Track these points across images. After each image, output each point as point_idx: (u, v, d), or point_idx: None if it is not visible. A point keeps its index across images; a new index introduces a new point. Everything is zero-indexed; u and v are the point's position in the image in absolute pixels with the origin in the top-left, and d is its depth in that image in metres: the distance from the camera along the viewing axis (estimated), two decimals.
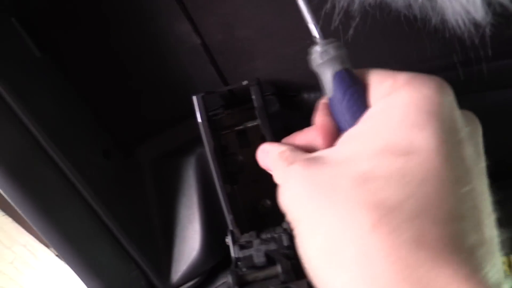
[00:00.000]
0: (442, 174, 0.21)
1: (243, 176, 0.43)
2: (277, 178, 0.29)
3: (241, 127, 0.42)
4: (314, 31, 0.29)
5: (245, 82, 0.40)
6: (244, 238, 0.39)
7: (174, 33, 0.40)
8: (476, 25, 0.26)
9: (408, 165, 0.21)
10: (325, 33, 0.29)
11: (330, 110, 0.28)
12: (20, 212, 0.37)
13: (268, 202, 0.43)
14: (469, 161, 0.23)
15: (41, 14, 0.39)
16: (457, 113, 0.24)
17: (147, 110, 0.46)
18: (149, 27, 0.40)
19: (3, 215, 1.06)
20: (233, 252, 0.37)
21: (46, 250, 1.09)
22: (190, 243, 0.44)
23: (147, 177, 0.46)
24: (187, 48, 0.41)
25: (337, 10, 0.29)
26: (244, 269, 0.35)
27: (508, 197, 0.26)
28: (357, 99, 0.26)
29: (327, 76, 0.27)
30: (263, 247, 0.35)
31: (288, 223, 0.39)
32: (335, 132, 0.27)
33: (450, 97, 0.24)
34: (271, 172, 0.32)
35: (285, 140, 0.32)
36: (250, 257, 0.35)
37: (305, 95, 0.44)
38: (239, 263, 0.36)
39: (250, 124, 0.42)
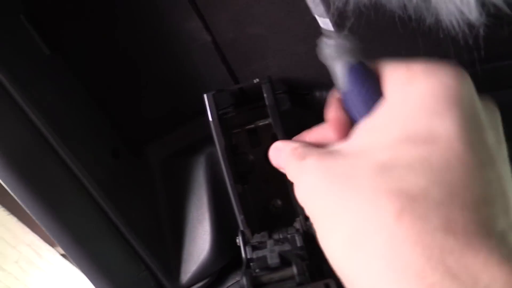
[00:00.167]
0: (466, 160, 0.21)
1: (254, 176, 0.42)
2: (290, 175, 0.28)
3: (252, 125, 0.42)
4: (326, 25, 0.28)
5: (256, 80, 0.40)
6: (255, 239, 0.39)
7: (185, 30, 0.40)
8: (470, 26, 0.26)
9: (430, 153, 0.21)
10: (320, 33, 0.28)
11: (343, 104, 0.28)
12: (28, 212, 0.37)
13: (279, 202, 0.43)
14: (492, 147, 0.22)
15: (50, 11, 0.39)
16: (477, 100, 0.23)
17: (157, 109, 0.45)
18: (159, 24, 0.40)
19: (8, 214, 1.06)
20: (246, 253, 0.36)
21: (51, 250, 1.09)
22: (199, 243, 0.44)
23: (156, 176, 0.45)
24: (197, 45, 0.40)
25: (331, 11, 0.29)
26: (257, 270, 0.34)
27: None
28: (373, 92, 0.26)
29: (340, 69, 0.27)
30: (277, 248, 0.35)
31: (301, 223, 0.39)
32: (349, 126, 0.27)
33: (468, 84, 0.23)
34: (283, 171, 0.32)
35: (297, 137, 0.32)
36: (263, 258, 0.34)
37: (317, 93, 0.43)
38: (251, 264, 0.35)
39: (261, 123, 0.42)
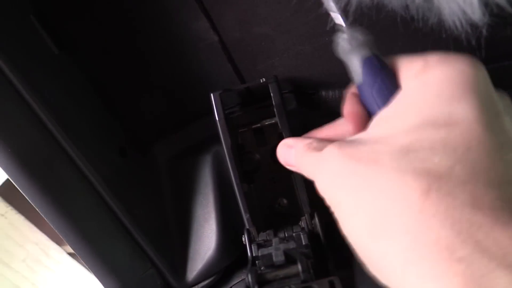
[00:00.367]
0: (485, 141, 0.21)
1: (260, 175, 0.43)
2: (307, 170, 0.28)
3: (258, 125, 0.42)
4: (339, 19, 0.28)
5: (262, 80, 0.40)
6: (261, 237, 0.39)
7: (192, 30, 0.40)
8: (473, 26, 0.26)
9: (451, 135, 0.21)
10: (322, 32, 0.28)
11: (360, 97, 0.28)
12: (37, 209, 0.37)
13: (285, 201, 0.43)
14: (509, 131, 0.22)
15: (58, 11, 0.40)
16: (492, 87, 0.24)
17: (164, 108, 0.45)
18: (166, 24, 0.40)
19: (16, 213, 1.07)
20: (251, 250, 0.37)
21: (58, 249, 1.10)
22: (206, 241, 0.44)
23: (163, 175, 0.46)
24: (204, 45, 0.41)
25: (340, 8, 0.29)
26: (262, 268, 0.34)
27: None
28: (389, 83, 0.26)
29: (356, 62, 0.27)
30: (282, 246, 0.35)
31: (306, 222, 0.39)
32: (366, 120, 0.27)
33: (484, 72, 0.24)
34: (292, 168, 0.32)
35: (307, 135, 0.32)
36: (269, 256, 0.35)
37: (323, 93, 0.43)
38: (257, 262, 0.35)
39: (267, 122, 0.42)
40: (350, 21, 0.29)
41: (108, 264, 0.40)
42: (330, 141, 0.28)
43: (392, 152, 0.22)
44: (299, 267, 0.32)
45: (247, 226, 0.40)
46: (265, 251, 0.35)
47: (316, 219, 0.39)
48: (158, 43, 0.41)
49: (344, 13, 0.29)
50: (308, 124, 0.34)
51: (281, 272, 0.32)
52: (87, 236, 0.39)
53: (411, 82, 0.25)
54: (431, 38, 0.29)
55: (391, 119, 0.24)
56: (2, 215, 1.06)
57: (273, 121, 0.41)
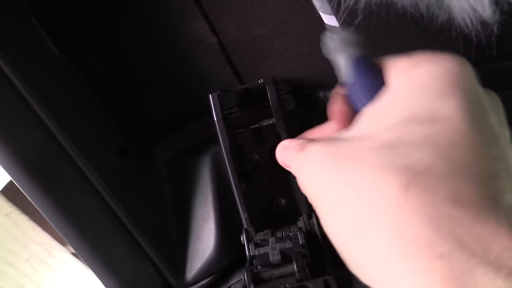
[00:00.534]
0: (470, 137, 0.21)
1: (258, 175, 0.43)
2: (294, 169, 0.28)
3: (256, 125, 0.42)
4: (330, 20, 0.29)
5: (260, 81, 0.40)
6: (259, 237, 0.39)
7: (191, 31, 0.40)
8: (484, 23, 0.26)
9: (434, 131, 0.21)
10: (319, 34, 0.29)
11: (347, 98, 0.28)
12: (38, 208, 0.38)
13: (283, 201, 0.43)
14: (495, 128, 0.22)
15: (59, 13, 0.40)
16: (478, 84, 0.24)
17: (163, 109, 0.46)
18: (166, 25, 0.40)
19: (20, 214, 1.08)
20: (248, 250, 0.37)
21: (62, 249, 1.10)
22: (205, 241, 0.44)
23: (163, 175, 0.46)
24: (203, 46, 0.41)
25: (342, 9, 0.29)
26: (259, 267, 0.35)
27: None
28: (376, 82, 0.26)
29: (344, 61, 0.27)
30: (279, 245, 0.35)
31: (304, 222, 0.39)
32: (352, 118, 0.27)
33: (469, 69, 0.24)
34: (289, 169, 0.32)
35: (301, 136, 0.32)
36: (265, 255, 0.35)
37: (321, 94, 0.44)
38: (254, 261, 0.35)
39: (265, 122, 0.42)
40: (358, 19, 0.29)
41: (108, 263, 0.40)
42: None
43: (373, 148, 0.22)
44: (295, 266, 0.32)
45: (245, 226, 0.40)
46: (261, 250, 0.35)
47: (314, 219, 0.39)
48: (157, 44, 0.42)
49: (352, 11, 0.29)
50: (307, 124, 0.35)
51: (277, 271, 0.32)
52: (87, 235, 0.39)
53: (397, 79, 0.25)
54: (441, 36, 0.29)
55: (374, 116, 0.24)
56: (7, 215, 1.07)
57: (271, 122, 0.41)
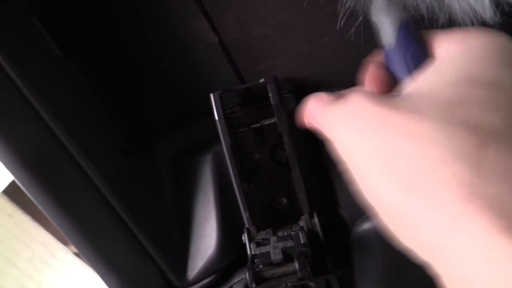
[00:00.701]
0: None
1: (259, 174, 0.43)
2: (329, 122, 0.25)
3: (257, 125, 0.42)
4: None
5: (262, 80, 0.40)
6: (260, 236, 0.39)
7: (192, 31, 0.40)
8: (484, 25, 0.26)
9: (497, 96, 0.21)
10: (321, 33, 0.28)
11: (387, 62, 0.27)
12: (39, 207, 0.38)
13: (285, 200, 0.43)
14: None
15: (60, 13, 0.40)
16: None
17: (165, 108, 0.46)
18: (167, 25, 0.40)
19: (22, 213, 1.08)
20: (250, 249, 0.37)
21: (64, 249, 1.10)
22: (206, 240, 0.44)
23: (164, 174, 0.46)
24: (204, 46, 0.41)
25: (343, 10, 0.29)
26: (261, 266, 0.35)
27: None
28: (422, 50, 0.25)
29: (390, 25, 0.26)
30: (280, 244, 0.35)
31: (305, 221, 0.39)
32: (390, 84, 0.26)
33: None
34: (315, 127, 0.28)
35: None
36: (267, 254, 0.35)
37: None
38: (256, 260, 0.36)
39: (267, 122, 0.42)
40: (360, 20, 0.29)
41: (110, 262, 0.40)
42: None
43: (437, 104, 0.21)
44: (296, 265, 0.32)
45: (246, 225, 0.40)
46: (263, 249, 0.35)
47: (316, 219, 0.39)
48: (159, 44, 0.42)
49: (352, 12, 0.29)
50: None
51: (279, 270, 0.33)
52: (89, 235, 0.39)
53: (452, 47, 0.24)
54: None
55: (431, 77, 0.23)
56: (9, 215, 1.07)
57: (273, 121, 0.41)
